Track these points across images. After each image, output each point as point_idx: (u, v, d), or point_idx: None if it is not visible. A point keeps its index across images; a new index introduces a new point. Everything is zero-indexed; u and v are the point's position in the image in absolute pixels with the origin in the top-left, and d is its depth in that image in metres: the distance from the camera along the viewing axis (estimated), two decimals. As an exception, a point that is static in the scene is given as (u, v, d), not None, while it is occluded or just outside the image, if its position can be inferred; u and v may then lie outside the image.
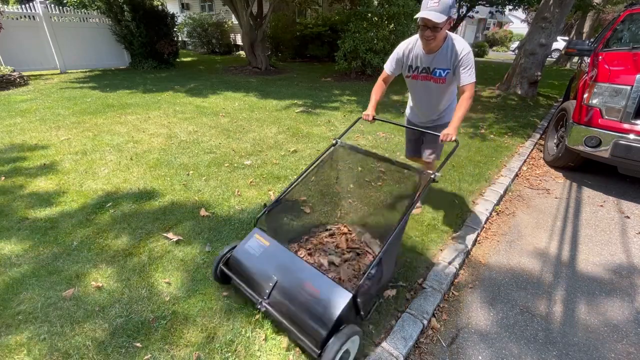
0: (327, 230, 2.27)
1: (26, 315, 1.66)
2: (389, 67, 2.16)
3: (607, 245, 2.51)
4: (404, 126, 2.39)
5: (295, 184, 1.93)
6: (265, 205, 1.85)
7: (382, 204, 2.14)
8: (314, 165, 2.01)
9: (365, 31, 8.01)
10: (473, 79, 1.90)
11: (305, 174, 1.97)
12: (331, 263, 1.96)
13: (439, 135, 1.89)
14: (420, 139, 2.50)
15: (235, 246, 1.79)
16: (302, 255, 1.97)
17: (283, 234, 2.04)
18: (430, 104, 2.25)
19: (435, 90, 2.12)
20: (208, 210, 2.60)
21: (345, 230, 2.28)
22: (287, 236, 2.10)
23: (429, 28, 1.78)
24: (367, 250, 2.11)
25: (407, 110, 2.52)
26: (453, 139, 1.82)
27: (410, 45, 2.05)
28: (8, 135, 4.03)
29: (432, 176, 1.64)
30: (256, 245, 1.71)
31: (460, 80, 1.93)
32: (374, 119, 2.15)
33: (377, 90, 2.22)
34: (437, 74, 2.01)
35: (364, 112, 2.17)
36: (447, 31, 1.90)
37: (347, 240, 2.17)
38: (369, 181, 2.19)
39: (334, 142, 2.09)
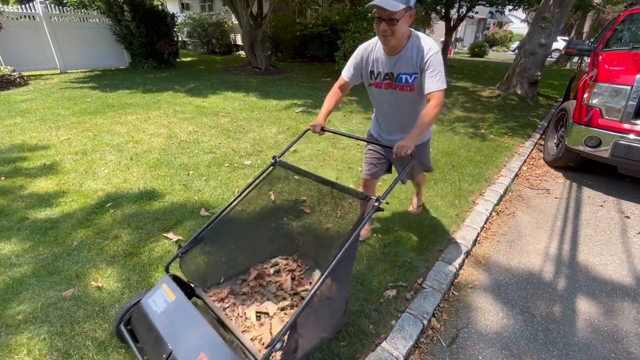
0: (273, 265, 1.89)
1: (26, 315, 1.66)
2: (346, 73, 1.87)
3: (607, 245, 2.51)
4: (358, 138, 1.92)
5: (224, 211, 1.62)
6: (179, 246, 1.49)
7: (329, 235, 1.81)
8: (250, 187, 1.70)
9: (365, 31, 8.00)
10: (441, 85, 1.59)
11: (238, 199, 1.66)
12: (263, 314, 1.56)
13: (411, 151, 1.52)
14: (384, 160, 2.10)
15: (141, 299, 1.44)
16: (227, 305, 1.60)
17: (211, 276, 1.70)
18: (398, 118, 1.88)
19: (404, 100, 1.78)
20: (208, 210, 2.60)
21: (294, 265, 1.90)
22: (218, 277, 1.73)
23: (384, 20, 1.49)
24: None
25: (372, 124, 2.14)
26: (409, 152, 1.48)
27: (370, 47, 1.75)
28: (8, 135, 4.03)
29: (376, 203, 1.32)
30: (161, 300, 1.36)
31: (425, 86, 1.60)
32: (322, 129, 1.82)
33: (331, 98, 1.90)
34: (403, 80, 1.69)
35: (311, 123, 1.82)
36: (411, 29, 1.64)
37: (293, 278, 1.81)
38: (314, 207, 1.86)
39: (273, 160, 1.76)
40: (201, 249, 1.60)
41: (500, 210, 2.93)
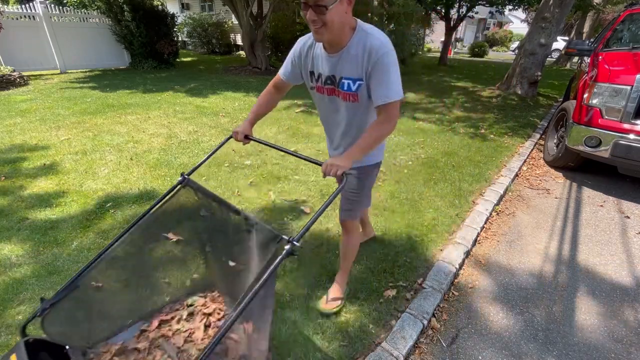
0: (189, 305, 1.56)
1: (26, 315, 1.66)
2: (282, 69, 1.49)
3: (607, 245, 2.51)
4: (286, 152, 1.44)
5: (115, 242, 1.28)
6: (42, 299, 1.12)
7: (243, 275, 1.46)
8: (154, 209, 1.41)
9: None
10: (392, 95, 1.21)
11: (136, 225, 1.33)
12: None
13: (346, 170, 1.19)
14: None
15: None
16: None
17: (97, 330, 1.32)
18: (340, 132, 1.49)
19: (345, 111, 1.39)
20: (208, 210, 2.60)
21: (213, 306, 1.55)
22: (106, 330, 1.36)
23: (310, 7, 1.12)
24: (232, 339, 1.34)
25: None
26: (339, 173, 1.17)
27: (311, 41, 1.36)
28: (8, 135, 4.03)
29: (287, 247, 1.00)
30: None
31: (373, 96, 1.26)
32: (247, 138, 1.48)
33: (263, 99, 1.55)
34: (345, 87, 1.30)
35: (234, 129, 1.49)
36: (357, 20, 1.25)
37: (208, 325, 1.46)
38: (231, 238, 1.58)
39: (181, 178, 1.44)
40: (80, 296, 1.20)
41: (500, 210, 2.93)
